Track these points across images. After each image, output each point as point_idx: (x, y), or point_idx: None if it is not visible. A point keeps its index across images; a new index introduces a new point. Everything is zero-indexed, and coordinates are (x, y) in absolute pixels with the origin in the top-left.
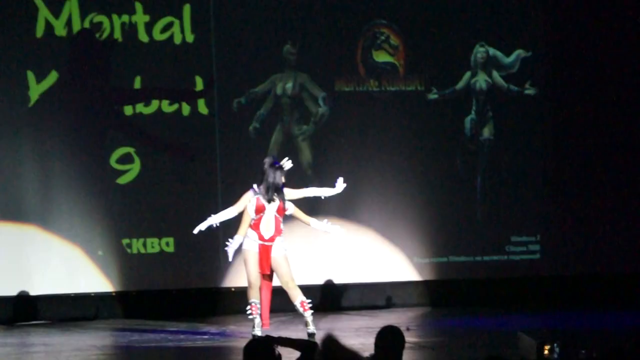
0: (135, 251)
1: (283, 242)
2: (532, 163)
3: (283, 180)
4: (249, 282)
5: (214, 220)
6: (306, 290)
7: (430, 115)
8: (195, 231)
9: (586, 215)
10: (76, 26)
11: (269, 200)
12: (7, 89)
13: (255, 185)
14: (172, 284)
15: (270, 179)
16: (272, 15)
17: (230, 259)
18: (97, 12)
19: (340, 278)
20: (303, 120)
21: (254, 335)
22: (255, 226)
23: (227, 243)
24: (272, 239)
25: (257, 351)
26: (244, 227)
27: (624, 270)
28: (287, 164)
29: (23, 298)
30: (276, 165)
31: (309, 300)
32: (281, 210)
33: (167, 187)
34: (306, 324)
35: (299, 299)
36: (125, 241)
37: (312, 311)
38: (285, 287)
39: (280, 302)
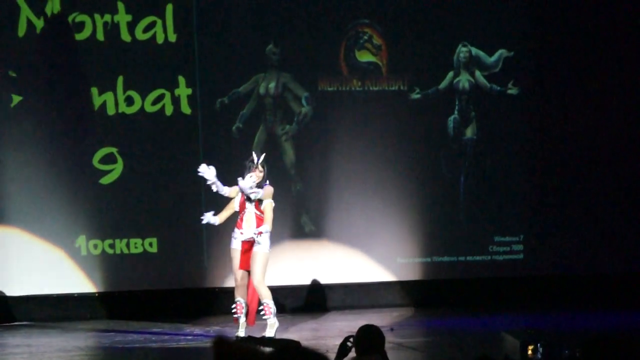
0: (118, 251)
1: (265, 240)
2: (515, 163)
3: (258, 175)
4: (234, 280)
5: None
6: (290, 290)
7: (413, 115)
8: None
9: (569, 216)
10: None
11: (247, 198)
12: None
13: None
14: (156, 285)
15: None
16: (255, 15)
17: (203, 221)
18: (79, 11)
19: (323, 278)
20: (286, 120)
21: (236, 336)
22: (238, 224)
23: (201, 217)
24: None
25: (224, 350)
26: (225, 213)
27: (607, 270)
28: (256, 158)
29: (5, 299)
30: (247, 163)
31: (274, 308)
32: (259, 207)
33: (150, 187)
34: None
35: (264, 301)
36: (108, 241)
37: (269, 317)
38: (254, 284)
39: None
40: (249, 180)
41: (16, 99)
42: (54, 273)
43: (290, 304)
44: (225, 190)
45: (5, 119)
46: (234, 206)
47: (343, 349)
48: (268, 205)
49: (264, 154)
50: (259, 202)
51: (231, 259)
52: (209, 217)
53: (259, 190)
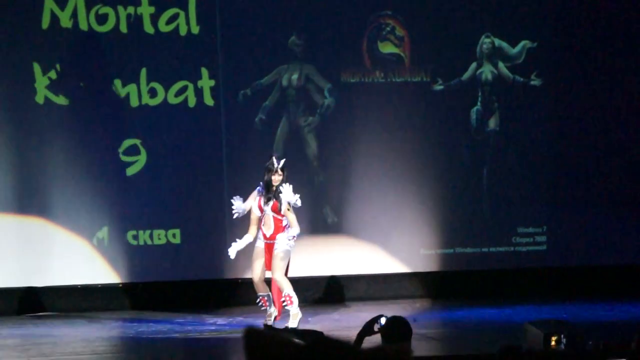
0: (142, 243)
1: (287, 240)
2: (538, 154)
3: (277, 178)
4: (253, 277)
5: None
6: (313, 281)
7: (436, 107)
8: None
9: (593, 206)
10: (82, 18)
11: (266, 200)
12: (13, 81)
13: (261, 184)
14: (179, 275)
15: (265, 178)
16: (277, 7)
17: (232, 257)
18: (102, 3)
19: (346, 270)
20: (309, 112)
21: (265, 325)
22: (260, 226)
23: (233, 243)
24: (272, 237)
25: (256, 340)
26: (252, 226)
27: (631, 261)
28: (276, 164)
29: (30, 290)
30: (267, 166)
31: (295, 299)
32: (276, 209)
33: (173, 178)
34: (271, 318)
35: (286, 292)
36: (131, 232)
37: (290, 307)
38: (274, 277)
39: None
40: (290, 193)
41: (40, 90)
42: (78, 264)
43: (313, 295)
44: (247, 207)
45: (30, 111)
46: (256, 213)
47: (369, 329)
48: (290, 212)
49: (284, 159)
50: (277, 204)
51: (254, 256)
52: (238, 245)
53: (296, 195)
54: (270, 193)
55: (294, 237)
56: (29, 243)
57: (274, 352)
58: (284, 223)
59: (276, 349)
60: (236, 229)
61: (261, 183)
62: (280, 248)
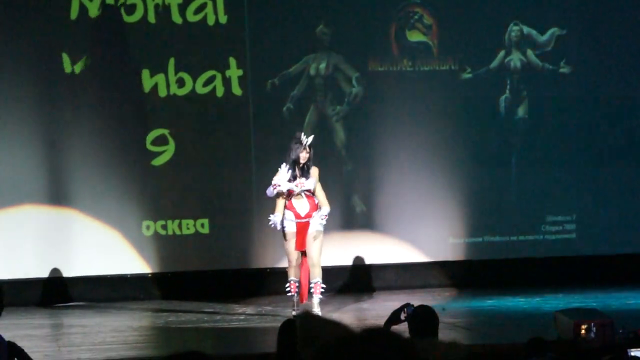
0: (170, 232)
1: (320, 219)
2: (567, 142)
3: (305, 155)
4: (288, 261)
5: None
6: (341, 270)
7: (464, 95)
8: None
9: (622, 194)
10: (110, 8)
11: (294, 177)
12: (43, 71)
13: (283, 164)
14: (208, 265)
15: (292, 156)
16: None
17: (279, 228)
18: None
19: (374, 259)
20: (337, 101)
21: (292, 314)
22: (290, 206)
23: (269, 219)
24: (308, 216)
25: (292, 330)
26: (280, 204)
27: None
28: (305, 139)
29: (61, 280)
30: (294, 142)
31: (324, 285)
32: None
33: (202, 168)
34: (311, 306)
35: (315, 279)
36: (160, 223)
37: (321, 297)
38: (309, 263)
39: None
40: (284, 182)
41: (70, 82)
42: (107, 254)
43: (341, 284)
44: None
45: (60, 102)
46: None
47: (396, 317)
48: (318, 186)
49: (312, 136)
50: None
51: (286, 241)
52: (276, 219)
53: (304, 181)
54: (298, 171)
55: (326, 215)
56: (60, 233)
57: (327, 336)
58: (317, 201)
59: (330, 333)
60: (263, 220)
61: (283, 163)
62: (314, 228)
